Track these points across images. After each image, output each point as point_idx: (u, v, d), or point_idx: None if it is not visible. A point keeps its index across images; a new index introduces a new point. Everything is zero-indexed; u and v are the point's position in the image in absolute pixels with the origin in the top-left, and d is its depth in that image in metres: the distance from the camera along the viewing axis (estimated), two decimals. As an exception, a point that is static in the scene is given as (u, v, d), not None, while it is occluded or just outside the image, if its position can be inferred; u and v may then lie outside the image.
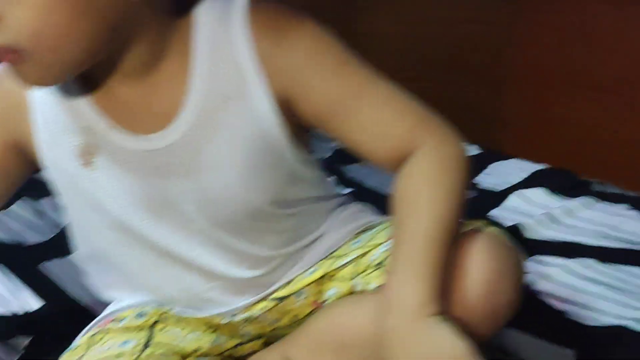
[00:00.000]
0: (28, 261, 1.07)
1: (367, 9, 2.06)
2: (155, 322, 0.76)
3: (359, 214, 0.81)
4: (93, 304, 0.94)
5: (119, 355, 0.71)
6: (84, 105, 0.66)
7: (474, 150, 1.55)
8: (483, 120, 1.77)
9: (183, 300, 0.76)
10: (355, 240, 0.78)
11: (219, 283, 0.74)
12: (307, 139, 0.72)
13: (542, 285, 0.98)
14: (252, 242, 0.73)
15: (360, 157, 0.70)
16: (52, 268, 1.06)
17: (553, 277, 1.01)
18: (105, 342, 0.73)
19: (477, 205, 1.27)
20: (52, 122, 0.68)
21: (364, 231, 0.79)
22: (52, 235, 1.16)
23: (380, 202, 0.80)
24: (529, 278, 0.99)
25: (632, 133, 1.50)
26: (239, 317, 0.77)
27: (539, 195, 1.28)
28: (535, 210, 1.23)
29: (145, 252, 0.72)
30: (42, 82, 0.62)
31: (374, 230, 0.78)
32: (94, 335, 0.74)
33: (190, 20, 0.64)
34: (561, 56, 1.61)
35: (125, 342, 0.73)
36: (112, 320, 0.77)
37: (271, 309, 0.78)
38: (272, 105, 0.65)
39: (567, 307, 0.93)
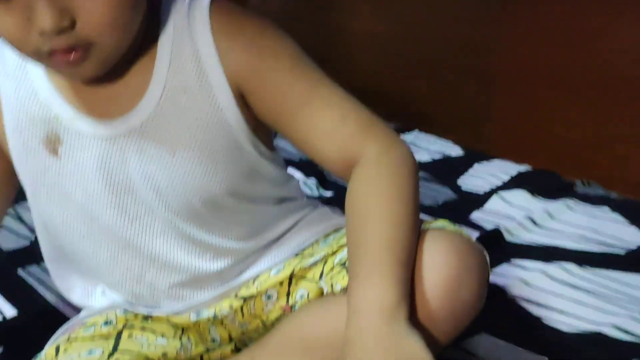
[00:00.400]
0: (4, 267, 1.07)
1: (356, 8, 2.06)
2: (122, 329, 0.76)
3: (329, 214, 0.82)
4: (68, 309, 0.94)
5: None
6: (49, 94, 0.69)
7: (457, 150, 1.55)
8: (471, 117, 1.78)
9: (147, 296, 0.77)
10: (324, 240, 0.79)
11: (182, 276, 0.75)
12: (268, 137, 0.74)
13: (519, 290, 0.98)
14: (212, 232, 0.74)
15: (311, 159, 0.72)
16: (29, 274, 1.06)
17: (531, 282, 1.00)
18: (70, 352, 0.72)
19: (459, 207, 1.27)
20: (18, 112, 0.70)
21: (335, 231, 0.79)
22: (31, 241, 1.16)
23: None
24: (507, 283, 0.99)
25: (616, 131, 1.50)
26: (206, 315, 0.78)
27: (520, 197, 1.27)
28: (517, 212, 1.22)
29: (109, 245, 0.74)
30: (95, 74, 0.65)
31: (343, 231, 0.78)
32: (59, 346, 0.74)
33: (158, 14, 0.68)
34: (546, 56, 1.61)
35: (91, 351, 0.72)
36: (82, 325, 0.77)
37: (239, 310, 0.78)
38: (230, 96, 0.68)
39: (543, 312, 0.93)
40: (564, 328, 0.90)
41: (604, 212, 1.22)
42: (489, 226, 1.17)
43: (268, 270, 0.78)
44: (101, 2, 0.59)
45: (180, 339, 0.77)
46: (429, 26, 1.83)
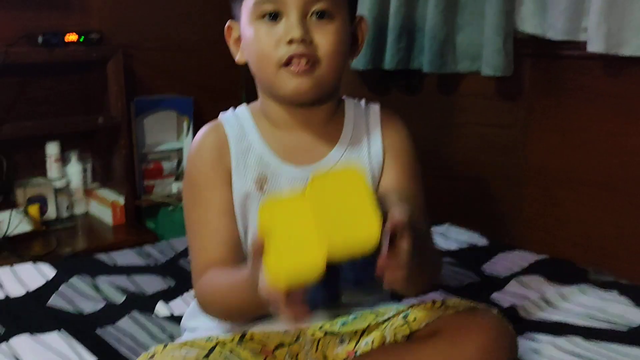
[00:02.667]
0: (85, 326, 1.24)
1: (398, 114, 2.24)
2: (216, 345, 0.93)
3: None
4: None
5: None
6: (260, 147, 1.02)
7: (483, 241, 1.69)
8: (499, 212, 1.91)
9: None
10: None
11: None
12: None
13: (530, 358, 1.11)
14: None
15: None
16: (105, 333, 1.22)
17: (542, 351, 1.13)
18: (166, 353, 0.91)
19: (480, 289, 1.40)
20: (238, 160, 1.01)
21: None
22: (105, 305, 1.33)
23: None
24: (519, 351, 1.12)
25: (630, 226, 1.62)
26: (291, 339, 0.96)
27: (536, 281, 1.41)
28: (532, 294, 1.35)
29: None
30: (311, 93, 0.97)
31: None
32: (154, 354, 0.92)
33: (343, 106, 1.07)
34: (568, 156, 1.75)
35: (186, 352, 0.90)
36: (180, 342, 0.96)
37: (316, 343, 0.95)
38: (381, 156, 1.04)
39: (550, 376, 1.06)
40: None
41: (613, 295, 1.34)
42: (506, 305, 1.30)
43: (348, 314, 0.96)
44: (329, 36, 0.95)
45: None
46: (463, 129, 2.00)
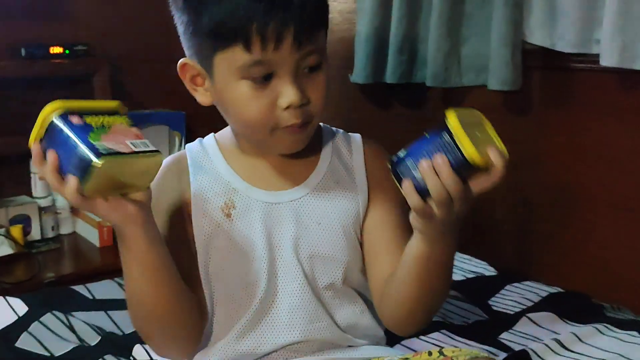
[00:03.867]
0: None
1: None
2: None
3: None
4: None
5: None
6: (227, 174, 0.96)
7: (491, 271, 1.59)
8: (505, 235, 1.82)
9: (256, 346, 0.94)
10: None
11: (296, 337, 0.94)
12: None
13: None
14: (341, 297, 0.97)
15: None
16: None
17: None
18: None
19: (488, 328, 1.30)
20: (203, 190, 0.95)
21: None
22: (77, 346, 1.23)
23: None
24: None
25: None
26: None
27: (548, 319, 1.30)
28: (545, 334, 1.25)
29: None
30: (302, 146, 0.93)
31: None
32: None
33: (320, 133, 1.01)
34: (581, 175, 1.67)
35: None
36: None
37: None
38: (366, 196, 0.98)
39: None
40: None
41: (633, 336, 1.23)
42: (517, 347, 1.19)
43: None
44: (320, 90, 0.89)
45: None
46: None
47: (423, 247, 0.85)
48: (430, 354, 0.89)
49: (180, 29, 0.92)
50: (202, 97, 0.94)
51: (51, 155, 0.77)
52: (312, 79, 0.89)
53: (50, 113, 0.77)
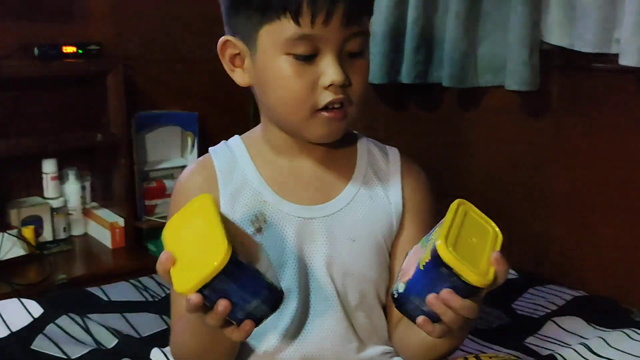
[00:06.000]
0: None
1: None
2: None
3: None
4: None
5: None
6: (257, 182, 0.93)
7: (511, 274, 1.56)
8: (525, 239, 1.79)
9: None
10: None
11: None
12: None
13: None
14: (372, 317, 0.94)
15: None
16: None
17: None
18: None
19: (513, 332, 1.27)
20: (232, 200, 0.92)
21: None
22: (93, 349, 1.20)
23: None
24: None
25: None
26: None
27: (575, 323, 1.27)
28: (572, 339, 1.22)
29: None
30: (342, 133, 0.90)
31: None
32: None
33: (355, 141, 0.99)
34: (599, 177, 1.64)
35: None
36: None
37: None
38: (401, 209, 0.95)
39: None
40: None
41: (663, 342, 1.20)
42: (543, 352, 1.16)
43: None
44: (362, 75, 0.88)
45: None
46: (485, 147, 1.89)
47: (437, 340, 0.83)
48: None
49: (226, 3, 0.91)
50: (240, 77, 0.92)
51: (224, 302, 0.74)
52: (355, 64, 0.88)
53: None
